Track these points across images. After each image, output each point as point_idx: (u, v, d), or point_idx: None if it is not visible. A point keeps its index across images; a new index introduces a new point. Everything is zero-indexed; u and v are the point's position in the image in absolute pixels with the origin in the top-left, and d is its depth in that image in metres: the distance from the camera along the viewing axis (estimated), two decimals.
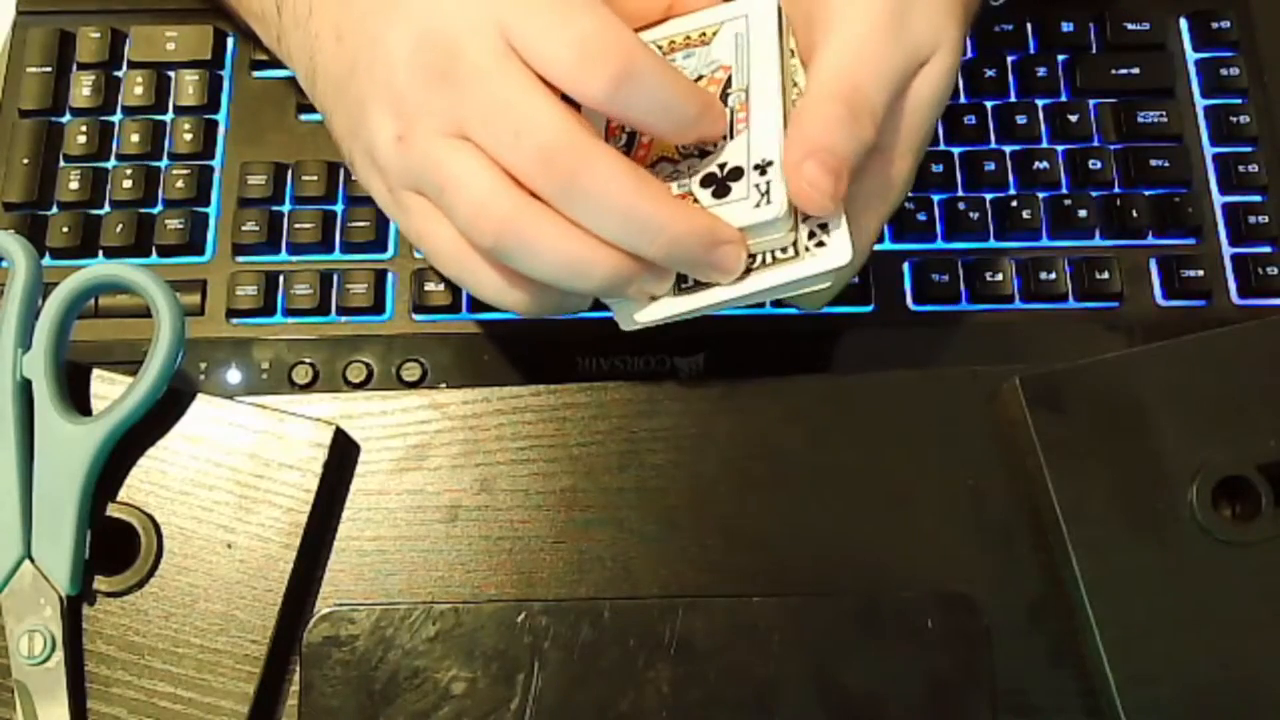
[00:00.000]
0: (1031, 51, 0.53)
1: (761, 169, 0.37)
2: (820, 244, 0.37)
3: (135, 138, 0.51)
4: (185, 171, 0.51)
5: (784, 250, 0.37)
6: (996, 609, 0.41)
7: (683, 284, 0.38)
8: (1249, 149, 0.51)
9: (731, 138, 0.39)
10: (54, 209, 0.50)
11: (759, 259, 0.38)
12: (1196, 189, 0.51)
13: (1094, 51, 0.53)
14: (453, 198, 0.36)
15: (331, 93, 0.40)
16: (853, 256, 0.37)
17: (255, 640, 0.40)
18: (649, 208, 0.35)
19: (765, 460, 0.43)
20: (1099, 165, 0.51)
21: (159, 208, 0.50)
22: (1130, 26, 0.53)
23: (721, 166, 0.38)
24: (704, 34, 0.42)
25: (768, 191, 0.37)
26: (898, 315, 0.49)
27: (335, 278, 0.49)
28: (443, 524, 0.43)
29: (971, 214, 0.50)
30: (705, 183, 0.38)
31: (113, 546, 0.41)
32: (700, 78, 0.40)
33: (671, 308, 0.38)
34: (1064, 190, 0.51)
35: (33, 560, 0.40)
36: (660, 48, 0.42)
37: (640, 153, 0.40)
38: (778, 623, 0.41)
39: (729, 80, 0.40)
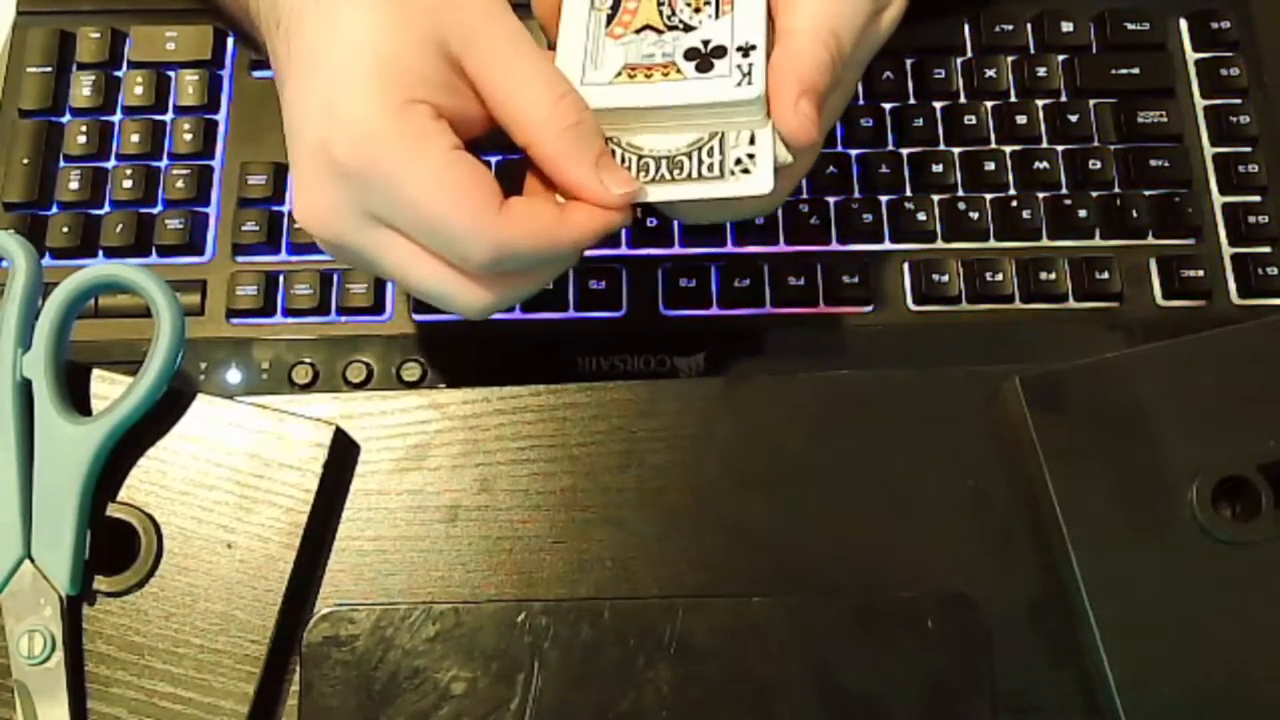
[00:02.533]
0: (1031, 51, 0.53)
1: (745, 51, 0.39)
2: (745, 170, 0.39)
3: (135, 138, 0.51)
4: (185, 171, 0.51)
5: (710, 170, 0.39)
6: (996, 609, 0.41)
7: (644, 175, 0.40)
8: (1249, 149, 0.51)
9: (716, 17, 0.40)
10: (54, 209, 0.50)
11: (688, 171, 0.39)
12: (1196, 189, 0.51)
13: (1094, 51, 0.53)
14: (391, 275, 0.40)
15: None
16: (773, 188, 0.38)
17: (255, 640, 0.40)
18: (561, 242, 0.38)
19: (765, 460, 0.43)
20: (1099, 165, 0.51)
21: (159, 208, 0.50)
22: (1130, 26, 0.53)
23: (705, 43, 0.40)
24: None
25: (749, 73, 0.39)
26: (898, 315, 0.49)
27: (335, 278, 0.49)
28: (443, 524, 0.43)
29: (971, 214, 0.50)
30: (689, 56, 0.40)
31: (113, 546, 0.41)
32: None
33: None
34: (1064, 190, 0.51)
35: (33, 560, 0.40)
36: None
37: (625, 18, 0.41)
38: (778, 623, 0.41)
39: None
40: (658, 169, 0.39)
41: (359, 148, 0.36)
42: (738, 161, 0.39)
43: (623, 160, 0.39)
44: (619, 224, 0.39)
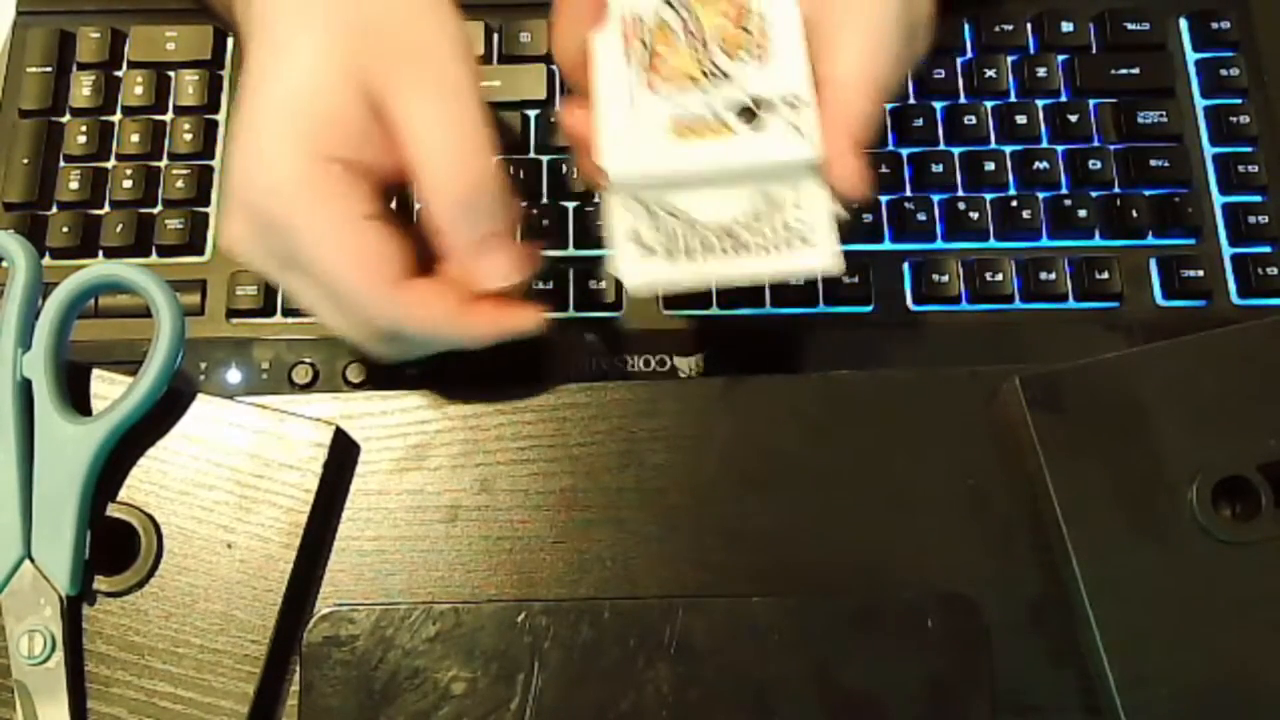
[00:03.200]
0: (1031, 51, 0.53)
1: (793, 105, 0.38)
2: (806, 242, 0.38)
3: (135, 138, 0.51)
4: (185, 171, 0.51)
5: (771, 243, 0.38)
6: (996, 609, 0.41)
7: (672, 254, 0.39)
8: (1249, 149, 0.51)
9: (757, 66, 0.39)
10: (54, 209, 0.50)
11: (747, 244, 0.38)
12: (1196, 189, 0.51)
13: (1094, 51, 0.53)
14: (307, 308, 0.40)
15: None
16: (837, 262, 0.38)
17: (255, 640, 0.40)
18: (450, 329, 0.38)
19: (765, 460, 0.43)
20: (1099, 165, 0.51)
21: (159, 208, 0.50)
22: (1130, 26, 0.53)
23: (751, 95, 0.39)
24: None
25: (802, 129, 0.38)
26: (898, 315, 0.49)
27: None
28: (443, 524, 0.43)
29: (971, 214, 0.50)
30: (736, 110, 0.39)
31: (113, 546, 0.41)
32: None
33: (661, 273, 0.39)
34: (1064, 190, 0.51)
35: (33, 560, 0.40)
36: None
37: (661, 68, 0.40)
38: (778, 623, 0.41)
39: (746, 3, 0.41)
40: (717, 243, 0.38)
41: (270, 198, 0.36)
42: (797, 233, 0.38)
43: (675, 232, 0.38)
44: (523, 332, 0.38)
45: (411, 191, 0.41)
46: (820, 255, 0.38)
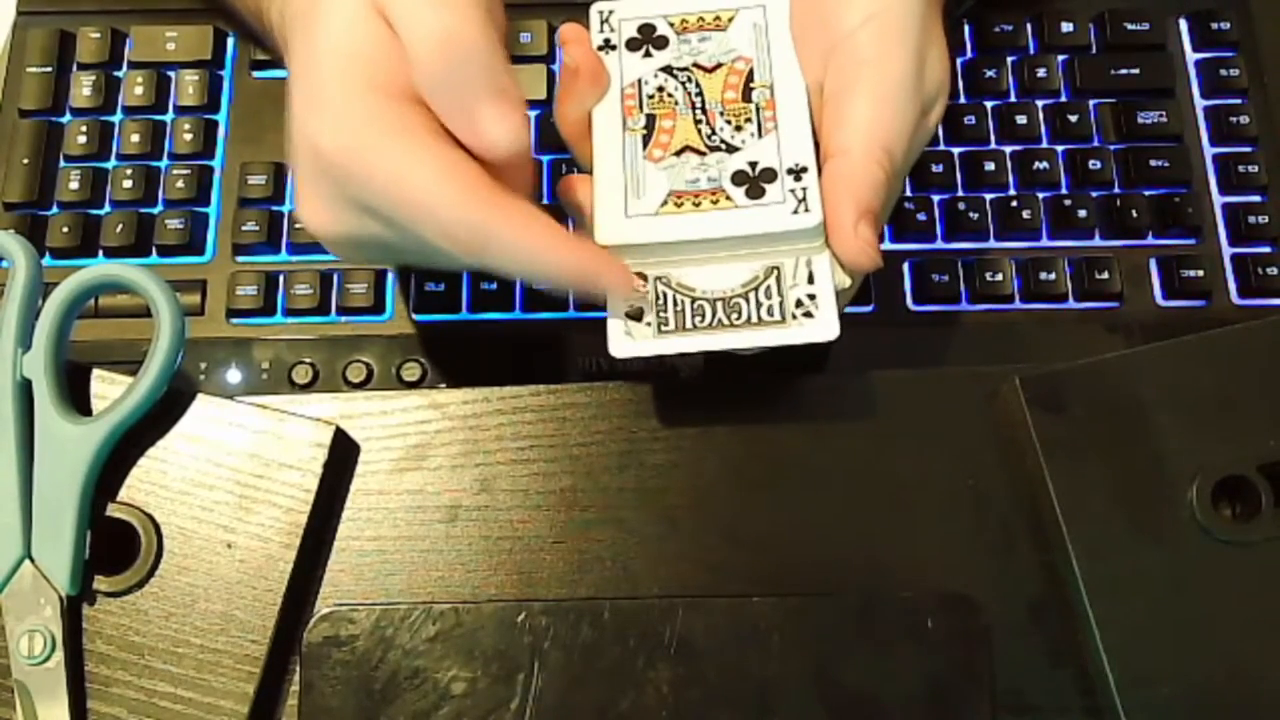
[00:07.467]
0: (1031, 51, 0.53)
1: (796, 174, 0.38)
2: (808, 314, 0.37)
3: (135, 138, 0.51)
4: (185, 171, 0.51)
5: (770, 313, 0.38)
6: (996, 609, 0.41)
7: (664, 326, 0.38)
8: (1249, 149, 0.51)
9: (760, 136, 0.39)
10: (54, 209, 0.50)
11: (746, 315, 0.38)
12: (1196, 189, 0.51)
13: (1094, 51, 0.53)
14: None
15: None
16: (839, 334, 0.37)
17: (255, 640, 0.40)
18: (547, 259, 0.37)
19: (765, 460, 0.43)
20: (1099, 165, 0.51)
21: (159, 208, 0.50)
22: (1130, 26, 0.53)
23: (753, 165, 0.39)
24: (719, 18, 0.42)
25: (804, 199, 0.37)
26: (898, 315, 0.49)
27: (335, 277, 0.49)
28: (443, 524, 0.43)
29: (971, 214, 0.50)
30: (737, 180, 0.39)
31: (113, 546, 0.41)
32: (719, 65, 0.41)
33: (649, 348, 0.38)
34: (1064, 190, 0.51)
35: (33, 560, 0.40)
36: (672, 25, 0.42)
37: (663, 138, 0.40)
38: (778, 623, 0.41)
39: (750, 73, 0.40)
40: (714, 314, 0.38)
41: (337, 147, 0.36)
42: (798, 304, 0.37)
43: (675, 303, 0.38)
44: (609, 287, 0.37)
45: None
46: (821, 328, 0.37)
